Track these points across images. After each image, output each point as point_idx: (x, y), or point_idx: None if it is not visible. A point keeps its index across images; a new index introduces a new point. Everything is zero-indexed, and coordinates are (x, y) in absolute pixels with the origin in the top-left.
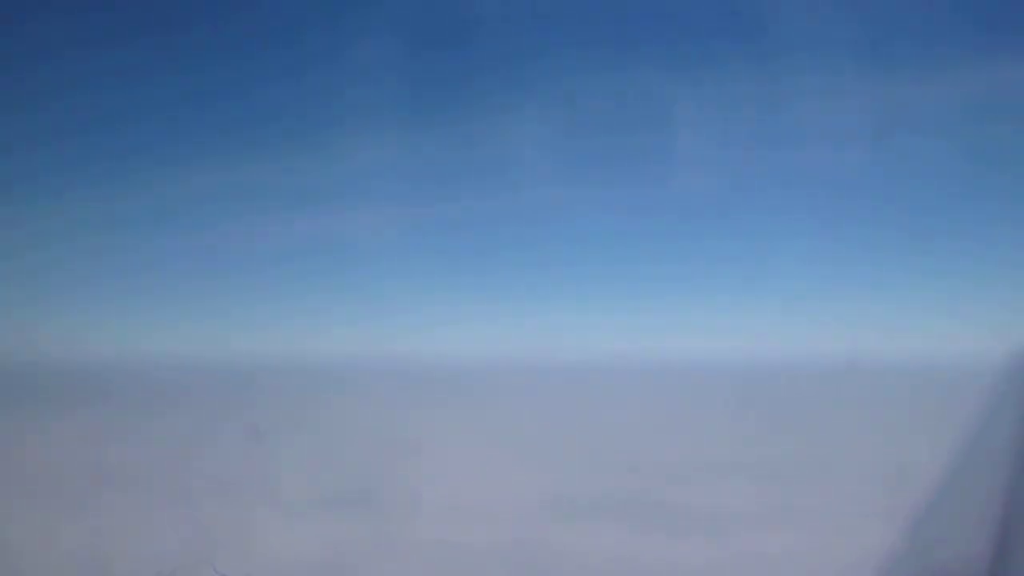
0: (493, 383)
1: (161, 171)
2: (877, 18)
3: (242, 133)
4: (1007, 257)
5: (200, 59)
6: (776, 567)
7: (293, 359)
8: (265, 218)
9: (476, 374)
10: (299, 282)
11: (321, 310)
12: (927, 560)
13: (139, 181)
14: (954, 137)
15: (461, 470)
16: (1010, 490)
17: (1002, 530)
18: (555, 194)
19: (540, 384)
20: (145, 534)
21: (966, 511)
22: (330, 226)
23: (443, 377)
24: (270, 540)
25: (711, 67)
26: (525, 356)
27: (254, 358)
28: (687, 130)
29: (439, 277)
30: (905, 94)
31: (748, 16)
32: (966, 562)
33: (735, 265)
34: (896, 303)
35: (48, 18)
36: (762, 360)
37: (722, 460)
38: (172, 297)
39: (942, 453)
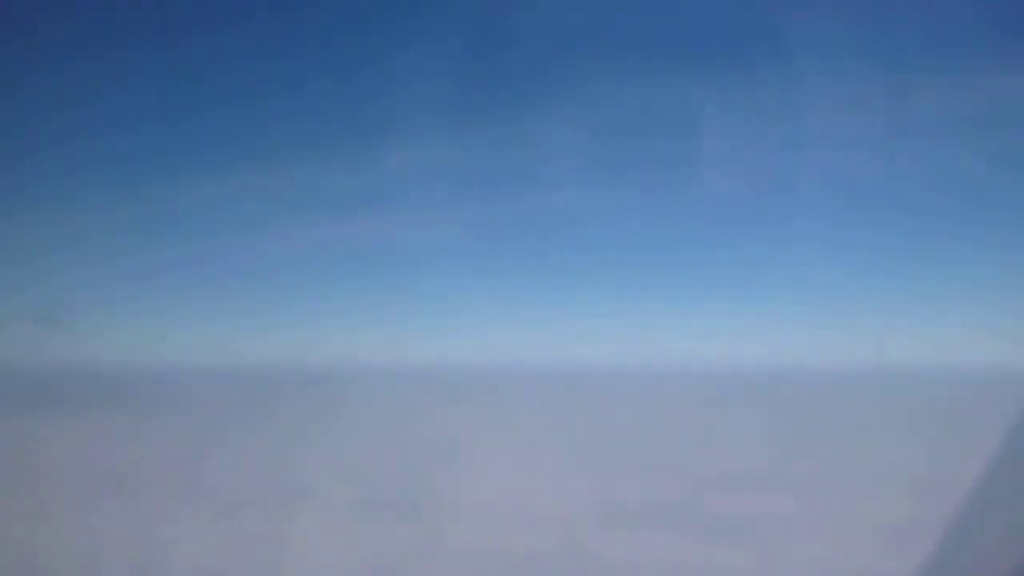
0: (526, 386)
1: (189, 176)
2: (894, 23)
3: (273, 137)
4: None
5: (232, 62)
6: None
7: (322, 362)
8: (296, 222)
9: (509, 377)
10: (328, 286)
11: (349, 313)
12: (957, 571)
13: (174, 185)
14: (970, 141)
15: (500, 476)
16: None
17: None
18: (582, 198)
19: (571, 387)
20: (165, 540)
21: (996, 521)
22: (359, 230)
23: (475, 380)
24: (309, 548)
25: (732, 73)
26: (556, 359)
27: (284, 362)
28: (711, 135)
29: (470, 280)
30: (921, 99)
31: (768, 23)
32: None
33: (758, 269)
34: (916, 307)
35: (54, 21)
36: (784, 364)
37: (756, 467)
38: (189, 302)
39: (968, 461)
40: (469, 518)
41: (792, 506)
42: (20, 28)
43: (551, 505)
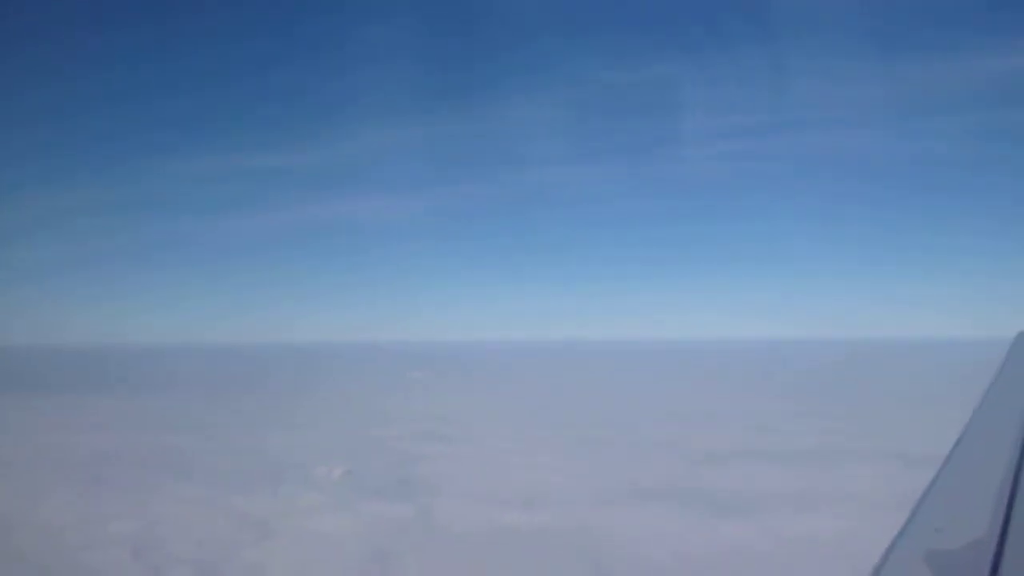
0: (515, 365)
1: (163, 157)
2: (890, 4)
3: (247, 119)
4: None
5: (202, 44)
6: (807, 549)
7: (309, 342)
8: (271, 203)
9: (496, 355)
10: (306, 266)
11: (324, 292)
12: (931, 544)
13: (142, 167)
14: (968, 121)
15: (501, 455)
16: (1015, 477)
17: (1006, 517)
18: (562, 175)
19: (560, 365)
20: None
21: (970, 497)
22: (337, 211)
23: (462, 359)
24: (323, 525)
25: (720, 50)
26: (540, 337)
27: (259, 340)
28: (696, 113)
29: (444, 258)
30: (919, 78)
31: (760, 3)
32: (970, 547)
33: (744, 247)
34: (908, 285)
35: (35, 4)
36: (773, 341)
37: (753, 444)
38: (172, 282)
39: (949, 437)
40: (482, 497)
41: (789, 481)
42: (10, 3)
43: (573, 483)
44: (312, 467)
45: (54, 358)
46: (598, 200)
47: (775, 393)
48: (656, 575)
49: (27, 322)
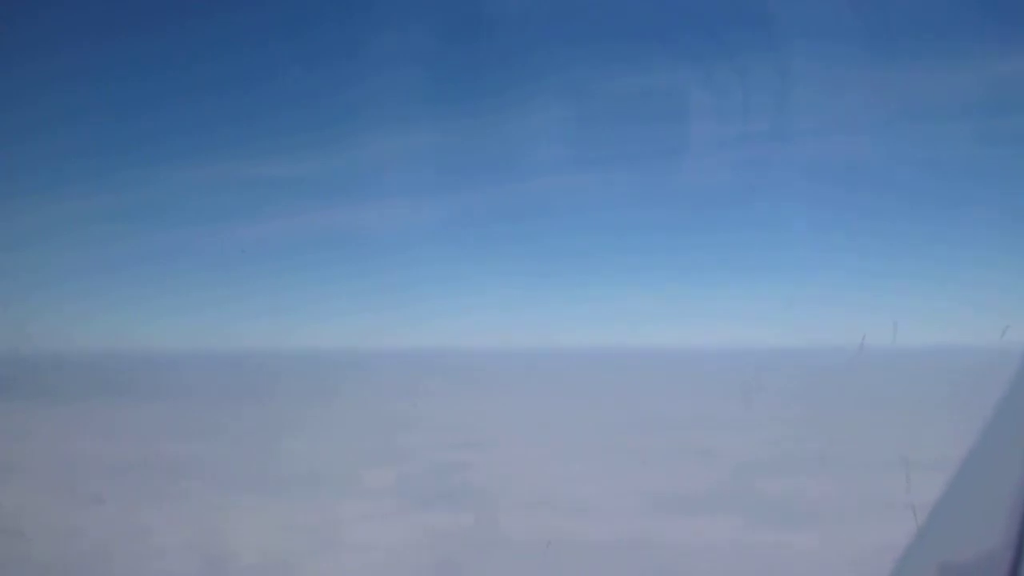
0: (528, 371)
1: (171, 164)
2: (888, 9)
3: (255, 125)
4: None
5: (210, 50)
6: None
7: (305, 348)
8: (278, 210)
9: (507, 362)
10: (317, 273)
11: (332, 300)
12: (944, 556)
13: (147, 175)
14: (965, 127)
15: (537, 463)
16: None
17: (1021, 528)
18: (566, 184)
19: (573, 372)
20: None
21: (983, 505)
22: (347, 217)
23: (474, 366)
24: (385, 534)
25: (721, 59)
26: (540, 342)
27: (268, 348)
28: (698, 120)
29: (452, 265)
30: (917, 84)
31: (759, 9)
32: (984, 558)
33: (746, 254)
34: (909, 291)
35: (50, 8)
36: (772, 348)
37: (792, 451)
38: (180, 288)
39: (960, 445)
40: (533, 507)
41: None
42: (15, 11)
43: (622, 494)
44: (351, 475)
45: (66, 365)
46: (616, 207)
47: (795, 400)
48: None
49: (34, 329)
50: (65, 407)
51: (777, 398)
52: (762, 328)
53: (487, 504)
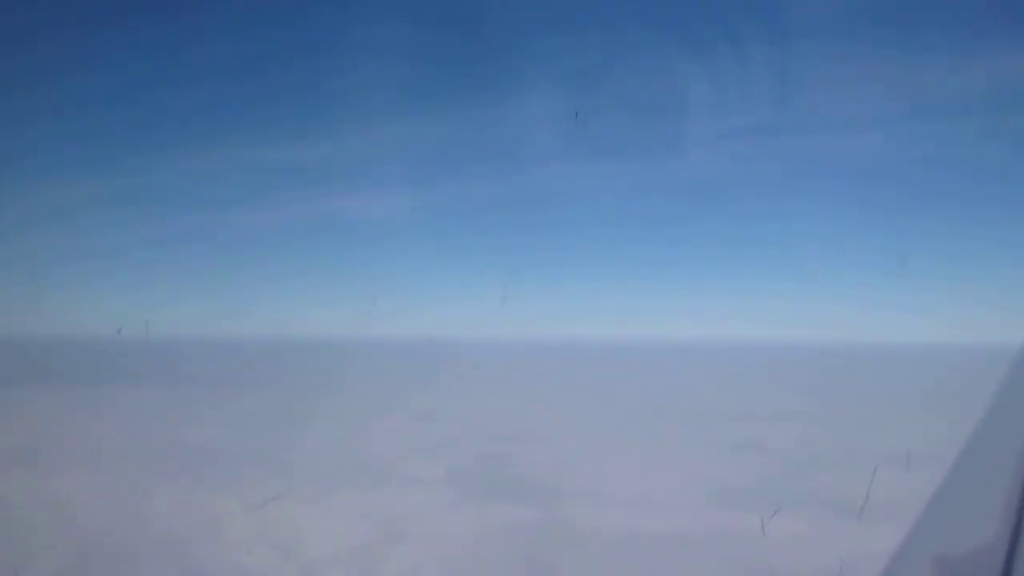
0: (542, 362)
1: (164, 153)
2: (899, 4)
3: (248, 115)
4: None
5: (204, 40)
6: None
7: (325, 337)
8: (272, 199)
9: (518, 353)
10: (320, 261)
11: (327, 287)
12: (938, 552)
13: (143, 163)
14: (974, 123)
15: (583, 456)
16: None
17: (1016, 523)
18: (563, 174)
19: (589, 363)
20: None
21: (979, 502)
22: (348, 205)
23: (488, 356)
24: (453, 526)
25: (725, 49)
26: (558, 335)
27: (282, 335)
28: (699, 112)
29: (445, 255)
30: (924, 80)
31: (764, 3)
32: (979, 553)
33: (745, 248)
34: (911, 288)
35: (38, 1)
36: (775, 343)
37: (838, 444)
38: (181, 275)
39: (956, 441)
40: (607, 502)
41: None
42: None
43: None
44: (401, 466)
45: (71, 349)
46: (620, 198)
47: (824, 393)
48: None
49: (36, 314)
50: (70, 391)
51: (811, 390)
52: (765, 323)
53: (549, 496)
